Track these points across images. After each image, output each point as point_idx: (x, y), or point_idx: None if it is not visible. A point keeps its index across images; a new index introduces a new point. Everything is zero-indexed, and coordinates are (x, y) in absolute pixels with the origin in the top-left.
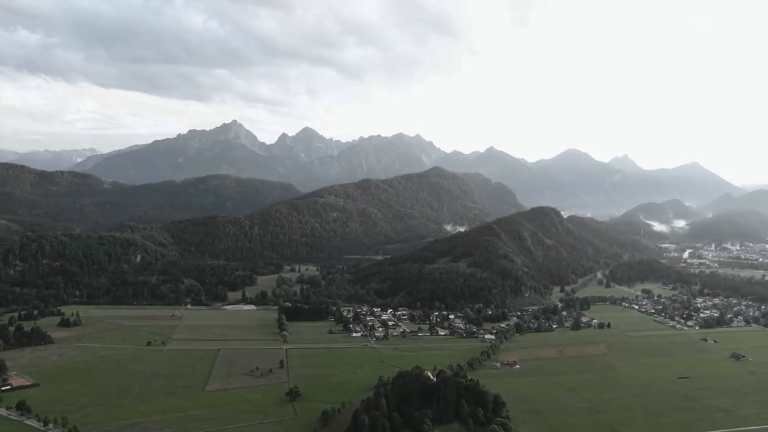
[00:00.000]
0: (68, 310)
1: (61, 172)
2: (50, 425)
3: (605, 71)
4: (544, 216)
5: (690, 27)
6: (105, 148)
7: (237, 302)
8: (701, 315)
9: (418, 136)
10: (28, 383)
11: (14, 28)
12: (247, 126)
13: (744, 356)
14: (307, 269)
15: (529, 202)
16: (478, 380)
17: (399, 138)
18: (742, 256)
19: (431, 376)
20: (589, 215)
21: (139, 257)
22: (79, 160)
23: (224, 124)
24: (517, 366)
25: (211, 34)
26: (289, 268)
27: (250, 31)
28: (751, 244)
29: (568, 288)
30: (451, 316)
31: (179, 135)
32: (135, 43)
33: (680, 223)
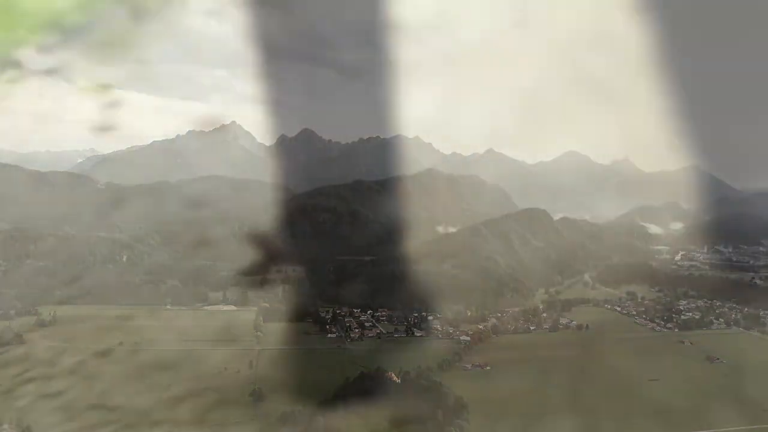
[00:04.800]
0: (46, 310)
1: (55, 172)
2: None
3: (605, 73)
4: (533, 217)
5: (690, 28)
6: (105, 149)
7: (218, 302)
8: (682, 317)
9: (417, 137)
10: None
11: None
12: (246, 127)
13: (718, 359)
14: (294, 270)
15: (527, 204)
16: (441, 381)
17: (398, 139)
18: (734, 259)
19: (395, 378)
20: (586, 217)
21: (125, 257)
22: (80, 160)
23: (223, 125)
24: (488, 367)
25: (210, 34)
26: (276, 269)
27: (248, 30)
28: (746, 247)
29: (552, 290)
30: (430, 318)
31: (178, 135)
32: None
33: (677, 226)
